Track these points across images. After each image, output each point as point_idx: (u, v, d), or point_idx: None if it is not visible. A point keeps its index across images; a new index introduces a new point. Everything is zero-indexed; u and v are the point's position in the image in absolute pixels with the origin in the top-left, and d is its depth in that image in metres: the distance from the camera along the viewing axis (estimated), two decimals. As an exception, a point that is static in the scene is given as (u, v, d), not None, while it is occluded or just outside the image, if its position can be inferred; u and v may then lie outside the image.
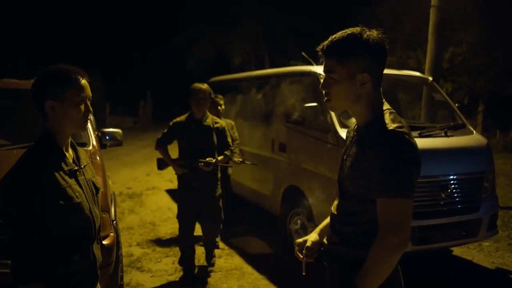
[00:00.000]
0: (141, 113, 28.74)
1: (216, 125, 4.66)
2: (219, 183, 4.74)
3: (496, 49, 17.01)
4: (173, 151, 4.79)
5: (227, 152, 4.68)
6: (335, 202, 1.97)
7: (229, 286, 4.59)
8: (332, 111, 4.46)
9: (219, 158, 4.61)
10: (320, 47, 1.81)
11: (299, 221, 5.16)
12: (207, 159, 4.42)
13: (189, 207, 4.63)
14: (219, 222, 4.91)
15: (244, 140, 6.38)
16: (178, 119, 4.73)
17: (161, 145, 4.75)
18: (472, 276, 4.97)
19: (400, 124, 1.71)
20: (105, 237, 3.24)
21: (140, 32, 30.48)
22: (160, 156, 4.85)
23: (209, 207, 4.67)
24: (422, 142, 4.39)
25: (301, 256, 2.03)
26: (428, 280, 4.70)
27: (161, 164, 4.94)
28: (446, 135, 4.68)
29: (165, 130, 4.73)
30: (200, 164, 4.39)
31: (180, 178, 4.68)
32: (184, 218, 4.67)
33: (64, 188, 1.74)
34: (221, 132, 4.69)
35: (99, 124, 5.74)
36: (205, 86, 4.64)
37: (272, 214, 5.98)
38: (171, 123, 4.72)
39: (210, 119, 4.65)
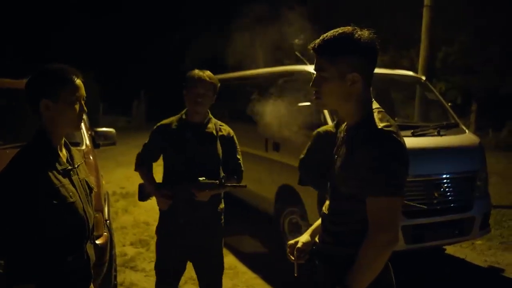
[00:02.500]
0: (134, 113, 28.66)
1: (220, 133, 3.15)
2: (222, 216, 3.15)
3: (489, 48, 17.10)
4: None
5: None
6: (327, 202, 1.98)
7: (223, 285, 4.58)
8: (322, 109, 4.49)
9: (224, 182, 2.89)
10: (312, 45, 1.82)
11: (292, 220, 5.17)
12: (201, 179, 2.85)
13: (173, 254, 3.03)
14: (221, 275, 3.23)
15: (238, 139, 6.36)
16: (165, 121, 3.15)
17: (143, 163, 3.18)
18: (465, 275, 5.00)
19: (388, 123, 1.72)
20: (98, 237, 3.24)
21: (134, 32, 30.35)
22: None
23: (207, 254, 3.08)
24: (415, 142, 4.42)
25: (293, 258, 2.05)
26: (421, 279, 4.73)
27: (144, 193, 3.16)
28: (439, 134, 4.70)
29: (147, 141, 3.18)
30: (200, 183, 2.84)
31: (162, 213, 3.09)
32: (165, 272, 3.10)
33: (57, 187, 1.74)
34: (228, 142, 3.20)
35: (92, 123, 5.72)
36: (207, 74, 3.02)
37: (266, 213, 5.98)
38: (155, 127, 3.16)
39: (213, 124, 3.13)
